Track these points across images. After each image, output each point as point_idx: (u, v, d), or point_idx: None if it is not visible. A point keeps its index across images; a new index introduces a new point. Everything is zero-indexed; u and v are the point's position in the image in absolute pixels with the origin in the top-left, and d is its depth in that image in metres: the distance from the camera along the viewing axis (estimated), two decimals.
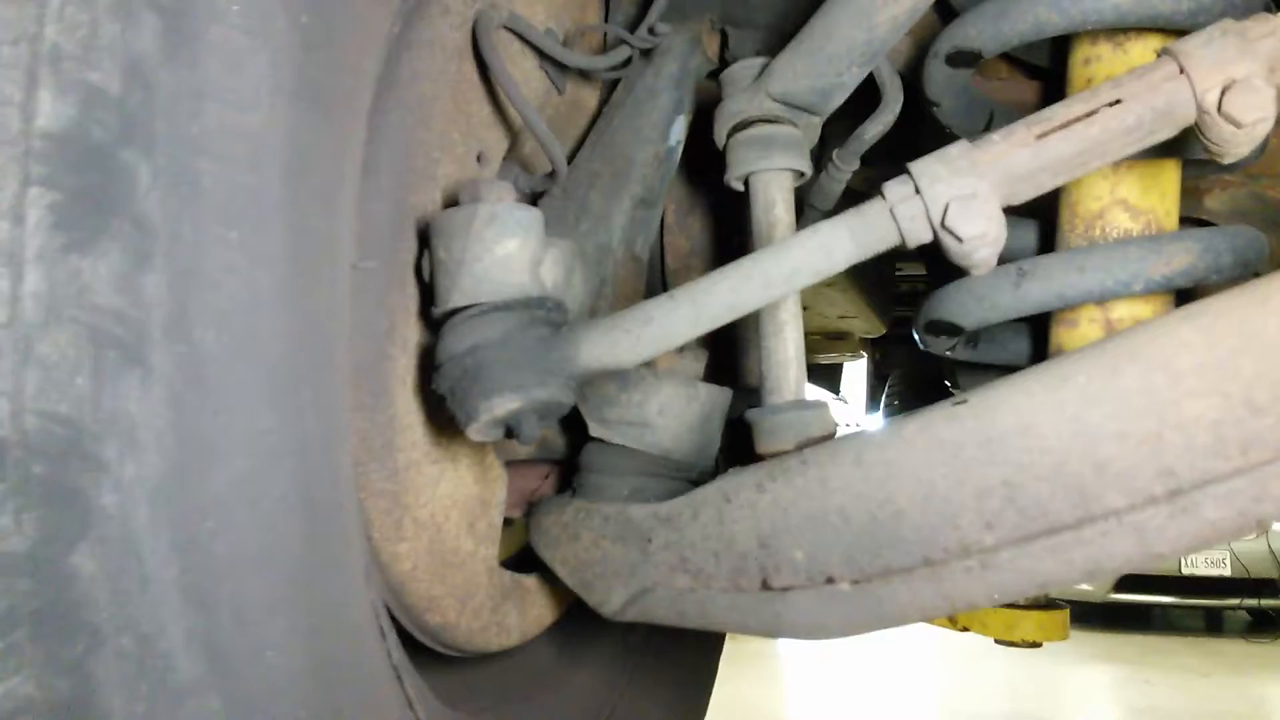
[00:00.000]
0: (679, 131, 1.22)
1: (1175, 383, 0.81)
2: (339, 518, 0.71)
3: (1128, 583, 8.08)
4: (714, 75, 1.28)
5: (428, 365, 0.92)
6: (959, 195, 0.78)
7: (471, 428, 0.85)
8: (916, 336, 1.17)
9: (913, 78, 1.20)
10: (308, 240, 0.65)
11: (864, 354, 3.54)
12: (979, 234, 0.77)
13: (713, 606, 0.96)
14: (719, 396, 1.15)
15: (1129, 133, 0.77)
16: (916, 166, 0.80)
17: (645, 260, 1.24)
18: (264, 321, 0.61)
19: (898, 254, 2.34)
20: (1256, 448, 0.79)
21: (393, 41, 0.92)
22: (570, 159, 1.24)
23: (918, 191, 0.80)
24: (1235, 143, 0.76)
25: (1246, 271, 1.01)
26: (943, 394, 1.27)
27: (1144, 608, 8.35)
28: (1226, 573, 8.20)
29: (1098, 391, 0.83)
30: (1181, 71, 0.76)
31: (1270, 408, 0.79)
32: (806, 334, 3.29)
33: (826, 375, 3.81)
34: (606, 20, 1.27)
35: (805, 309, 2.97)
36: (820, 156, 1.21)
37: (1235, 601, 8.36)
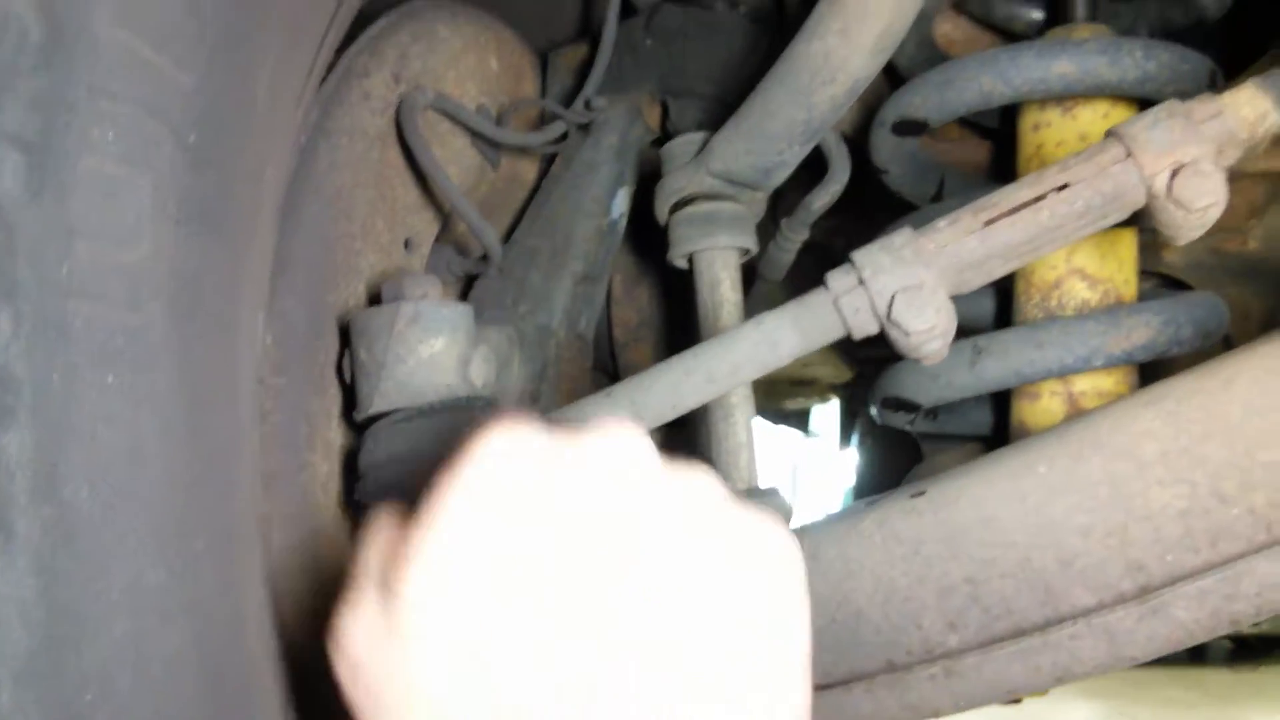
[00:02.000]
0: (621, 204, 1.18)
1: (1141, 472, 0.77)
2: (251, 670, 0.65)
3: None
4: (658, 143, 1.24)
5: (353, 469, 0.87)
6: (905, 287, 0.74)
7: None
8: (874, 412, 1.13)
9: (861, 140, 1.17)
10: (200, 373, 0.59)
11: (833, 398, 3.51)
12: (927, 328, 0.73)
13: None
14: None
15: (1079, 218, 0.74)
16: (860, 256, 0.76)
17: (590, 337, 1.19)
18: (148, 470, 0.55)
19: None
20: (1226, 540, 0.75)
21: (309, 130, 0.88)
22: (509, 234, 1.19)
23: (862, 282, 0.75)
24: (1187, 226, 0.73)
25: (1208, 341, 0.98)
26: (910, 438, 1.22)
27: None
28: None
29: (1061, 482, 0.79)
30: (1129, 155, 0.73)
31: (1239, 497, 0.75)
32: (772, 380, 3.24)
33: (796, 415, 3.77)
34: (544, 91, 1.23)
35: None
36: (769, 223, 1.18)
37: None
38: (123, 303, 0.53)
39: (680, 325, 1.32)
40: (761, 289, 1.27)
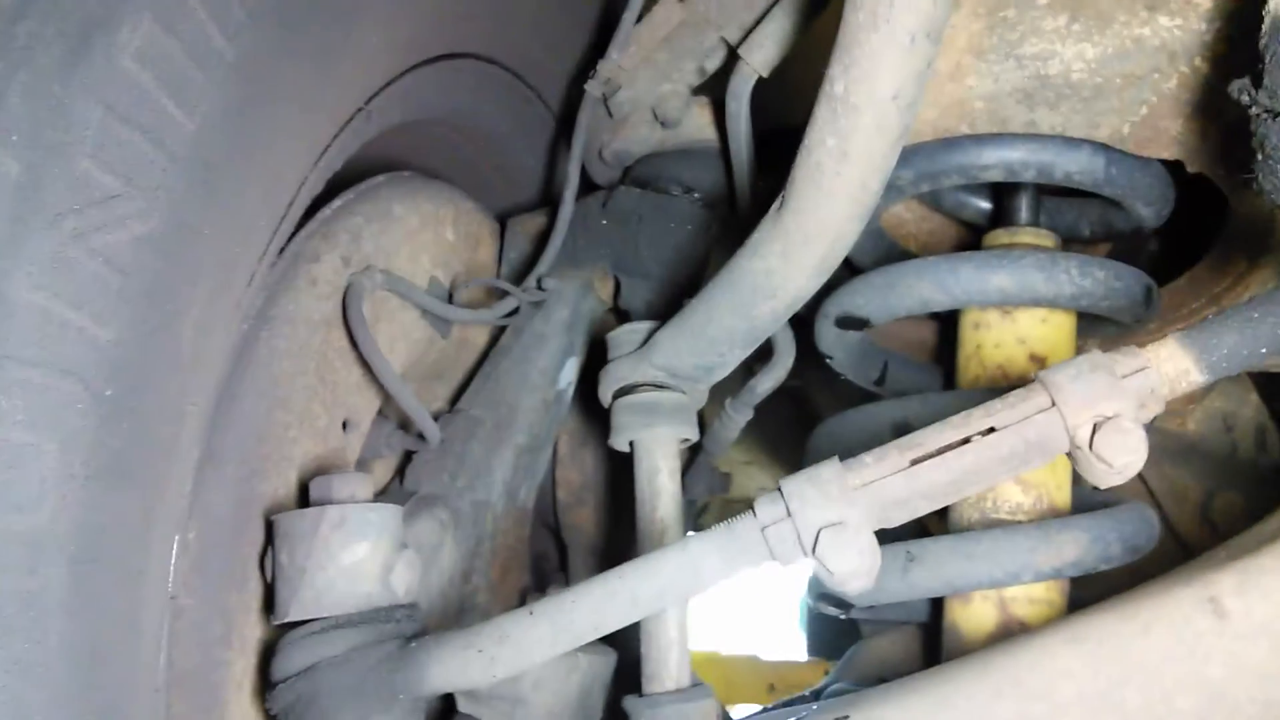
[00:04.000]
0: (569, 373, 1.18)
1: (1057, 714, 0.77)
2: None
3: None
4: (611, 310, 1.25)
5: (269, 664, 0.84)
6: (830, 523, 0.74)
7: None
8: (809, 603, 1.12)
9: (809, 323, 1.19)
10: (98, 625, 0.58)
11: None
12: (850, 570, 0.73)
13: None
14: (601, 665, 1.08)
15: (1002, 462, 0.75)
16: (788, 486, 0.77)
17: (530, 507, 1.18)
18: None
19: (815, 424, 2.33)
20: None
21: (252, 317, 0.88)
22: (456, 398, 1.19)
23: (789, 514, 0.76)
24: (1107, 478, 0.73)
25: (1136, 556, 0.98)
26: None
27: None
28: None
29: (977, 718, 0.78)
30: (1053, 404, 0.74)
31: None
32: (729, 501, 3.20)
33: None
34: (501, 256, 1.25)
35: (727, 479, 2.90)
36: (714, 400, 1.18)
37: None
38: (19, 569, 0.51)
39: (624, 487, 1.31)
40: (703, 463, 1.27)
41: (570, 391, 1.19)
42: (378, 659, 0.79)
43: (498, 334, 1.21)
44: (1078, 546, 0.95)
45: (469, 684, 0.79)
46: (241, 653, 0.84)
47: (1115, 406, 0.73)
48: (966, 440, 0.75)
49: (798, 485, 0.76)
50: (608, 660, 1.09)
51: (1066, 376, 0.75)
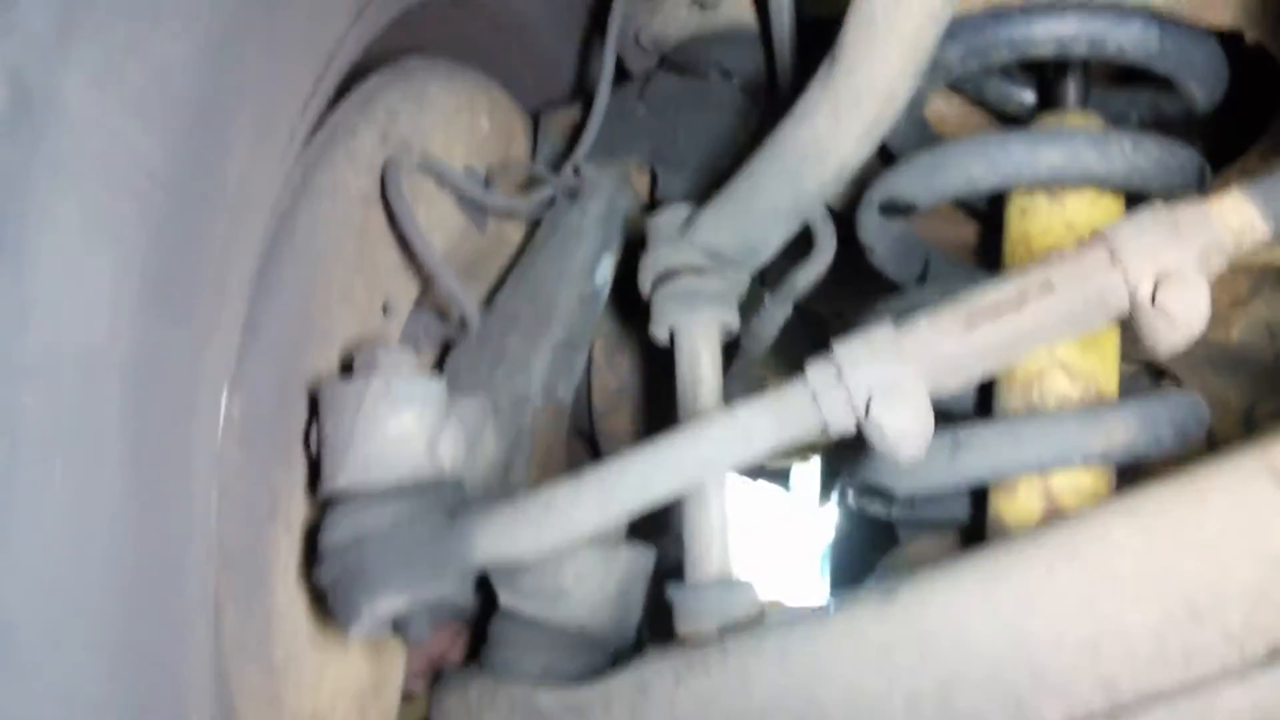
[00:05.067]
0: (605, 271, 1.17)
1: (1115, 586, 0.76)
2: None
3: None
4: (645, 210, 1.23)
5: (315, 544, 0.84)
6: (883, 385, 0.73)
7: (352, 629, 0.77)
8: (850, 498, 1.11)
9: (850, 215, 1.16)
10: (153, 459, 0.57)
11: (814, 456, 3.48)
12: (903, 430, 0.72)
13: None
14: (641, 560, 1.07)
15: (1061, 322, 0.73)
16: (840, 350, 0.75)
17: (568, 405, 1.17)
18: (95, 572, 0.52)
19: None
20: (1199, 659, 0.73)
21: (292, 190, 0.86)
22: (491, 296, 1.18)
23: (841, 377, 0.74)
24: (1170, 337, 0.72)
25: (1187, 444, 0.96)
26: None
27: None
28: None
29: (1034, 592, 0.77)
30: (1113, 259, 0.72)
31: (1212, 615, 0.74)
32: None
33: (774, 477, 3.74)
34: (534, 152, 1.23)
35: None
36: (754, 295, 1.17)
37: None
38: (77, 383, 0.51)
39: (661, 394, 1.30)
40: (741, 363, 1.25)
41: (606, 290, 1.18)
42: (425, 530, 0.79)
43: (531, 233, 1.20)
44: (1128, 431, 0.93)
45: (517, 554, 0.79)
46: (287, 531, 0.84)
47: (1178, 260, 0.71)
48: (1024, 299, 0.73)
49: (850, 347, 0.75)
50: (648, 556, 1.09)
51: (1129, 231, 0.73)
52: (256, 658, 0.80)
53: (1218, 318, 1.39)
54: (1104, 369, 1.03)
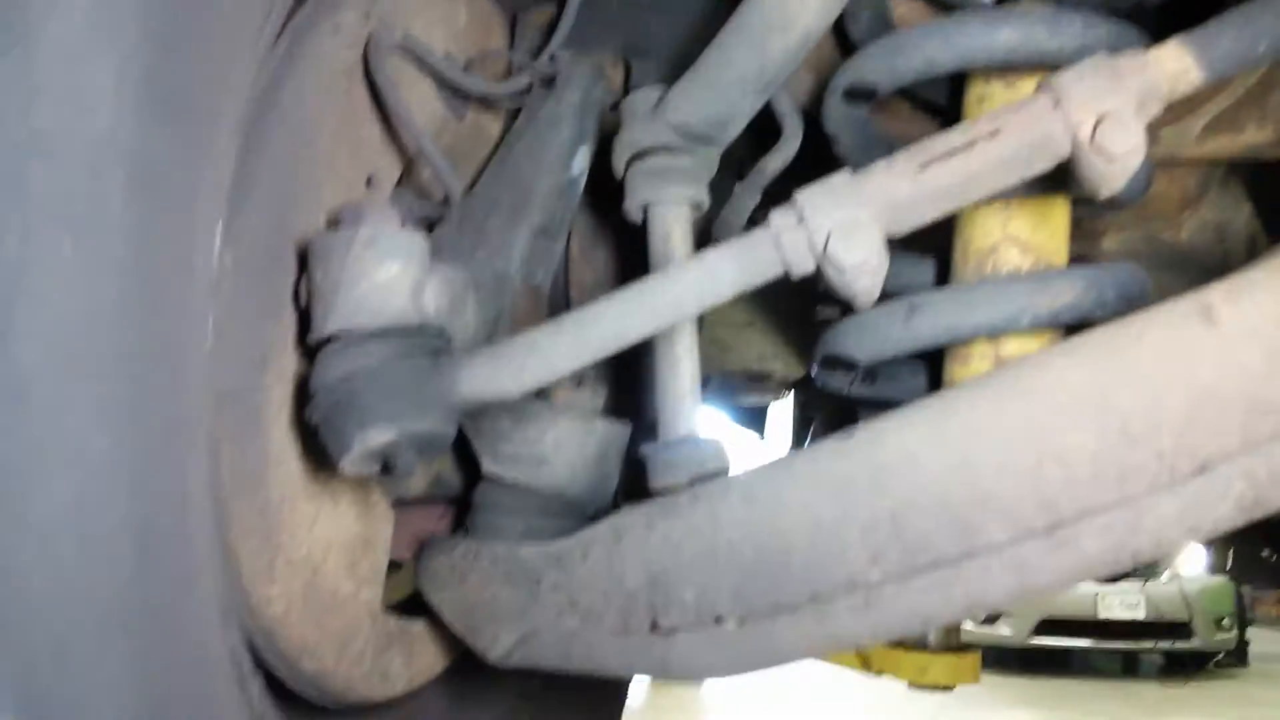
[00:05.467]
0: (582, 161, 1.21)
1: (1054, 414, 0.82)
2: (188, 552, 0.66)
3: (1046, 626, 8.21)
4: (617, 105, 1.27)
5: (306, 395, 0.88)
6: (841, 225, 0.78)
7: (344, 460, 0.82)
8: (813, 373, 1.17)
9: (816, 113, 1.21)
10: (155, 251, 0.61)
11: (786, 395, 3.55)
12: (859, 263, 0.77)
13: (600, 650, 0.93)
14: (617, 432, 1.13)
15: (1007, 164, 0.78)
16: (801, 195, 0.80)
17: (546, 291, 1.22)
18: (100, 339, 0.57)
19: (815, 295, 2.37)
20: (1133, 479, 0.79)
21: (278, 58, 0.90)
22: (470, 188, 1.22)
23: (801, 220, 0.79)
24: (1108, 175, 0.77)
25: (1130, 308, 1.02)
26: None
27: (1062, 651, 8.49)
28: (1141, 616, 8.38)
29: (980, 424, 0.83)
30: (1057, 105, 0.77)
31: (1146, 440, 0.79)
32: (728, 374, 3.24)
33: (751, 418, 3.82)
34: (511, 48, 1.26)
35: (726, 350, 2.95)
36: (725, 191, 1.21)
37: (1150, 644, 8.55)
38: (83, 169, 0.55)
39: None
40: None
41: (582, 181, 1.22)
42: (411, 367, 0.83)
43: (509, 126, 1.24)
44: (1074, 292, 0.99)
45: (499, 392, 0.84)
46: (279, 380, 0.88)
47: (1116, 103, 0.76)
48: (972, 144, 0.78)
49: (810, 193, 0.80)
50: (624, 428, 1.14)
51: (1070, 77, 0.78)
52: (251, 496, 0.85)
53: (1168, 219, 1.46)
54: (1054, 243, 1.08)
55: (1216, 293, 0.84)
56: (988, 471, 0.82)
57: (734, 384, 3.24)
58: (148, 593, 0.60)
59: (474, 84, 1.07)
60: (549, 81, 1.17)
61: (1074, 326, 1.05)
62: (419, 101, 1.07)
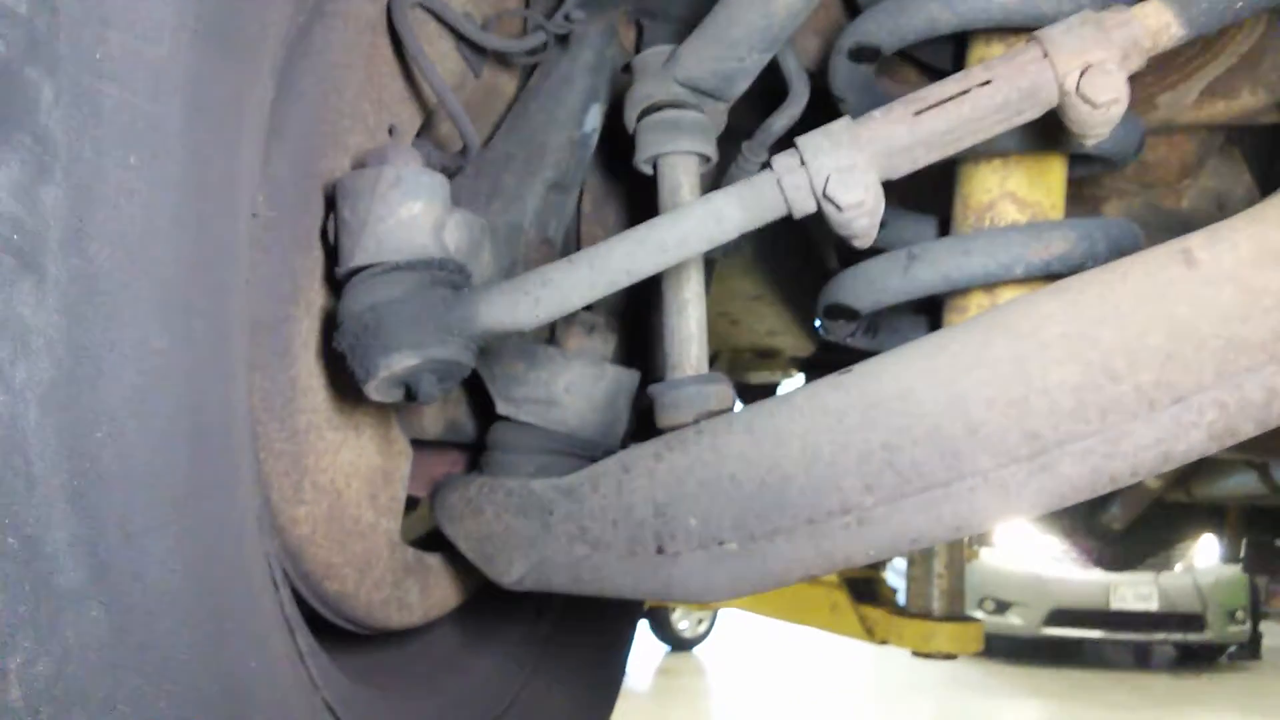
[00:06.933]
0: (594, 119, 1.25)
1: (1041, 351, 0.86)
2: (230, 451, 0.72)
3: (1058, 617, 8.23)
4: (629, 68, 1.32)
5: (332, 329, 0.94)
6: (839, 167, 0.82)
7: (370, 384, 0.87)
8: (817, 323, 1.21)
9: (822, 76, 1.25)
10: (206, 174, 0.67)
11: (797, 373, 3.60)
12: (856, 202, 0.81)
13: (608, 572, 0.99)
14: (626, 377, 1.18)
15: (997, 111, 0.83)
16: (802, 140, 0.85)
17: (558, 245, 1.26)
18: (159, 246, 0.62)
19: (824, 270, 2.40)
20: (1114, 413, 0.84)
21: (307, 10, 0.95)
22: (486, 143, 1.27)
23: (803, 163, 0.84)
24: (1093, 123, 0.81)
25: (1121, 257, 1.06)
26: None
27: (1074, 642, 8.51)
28: (1154, 607, 8.39)
29: (970, 359, 0.87)
30: (1045, 56, 0.82)
31: (1127, 375, 0.84)
32: (737, 350, 3.29)
33: (759, 395, 3.86)
34: (527, 7, 1.31)
35: (735, 324, 2.99)
36: (733, 150, 1.26)
37: (1162, 636, 8.55)
38: (146, 92, 0.60)
39: None
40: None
41: (594, 138, 1.26)
42: (434, 298, 0.88)
43: (524, 85, 1.28)
44: (1067, 242, 1.03)
45: (515, 323, 0.89)
46: (308, 313, 0.93)
47: (1101, 54, 0.80)
48: (965, 92, 0.83)
49: (811, 138, 0.85)
50: (632, 374, 1.19)
51: (1058, 31, 0.82)
52: (281, 420, 0.90)
53: (1170, 185, 1.50)
54: (1050, 199, 1.13)
55: (1197, 238, 0.88)
56: (977, 404, 0.86)
57: (742, 361, 3.30)
58: (198, 482, 0.66)
59: (491, 41, 1.12)
60: (563, 40, 1.22)
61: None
62: (439, 57, 1.12)
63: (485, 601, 1.31)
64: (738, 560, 0.92)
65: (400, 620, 1.12)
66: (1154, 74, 1.24)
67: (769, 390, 3.80)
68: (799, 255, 2.60)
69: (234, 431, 0.73)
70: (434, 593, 1.18)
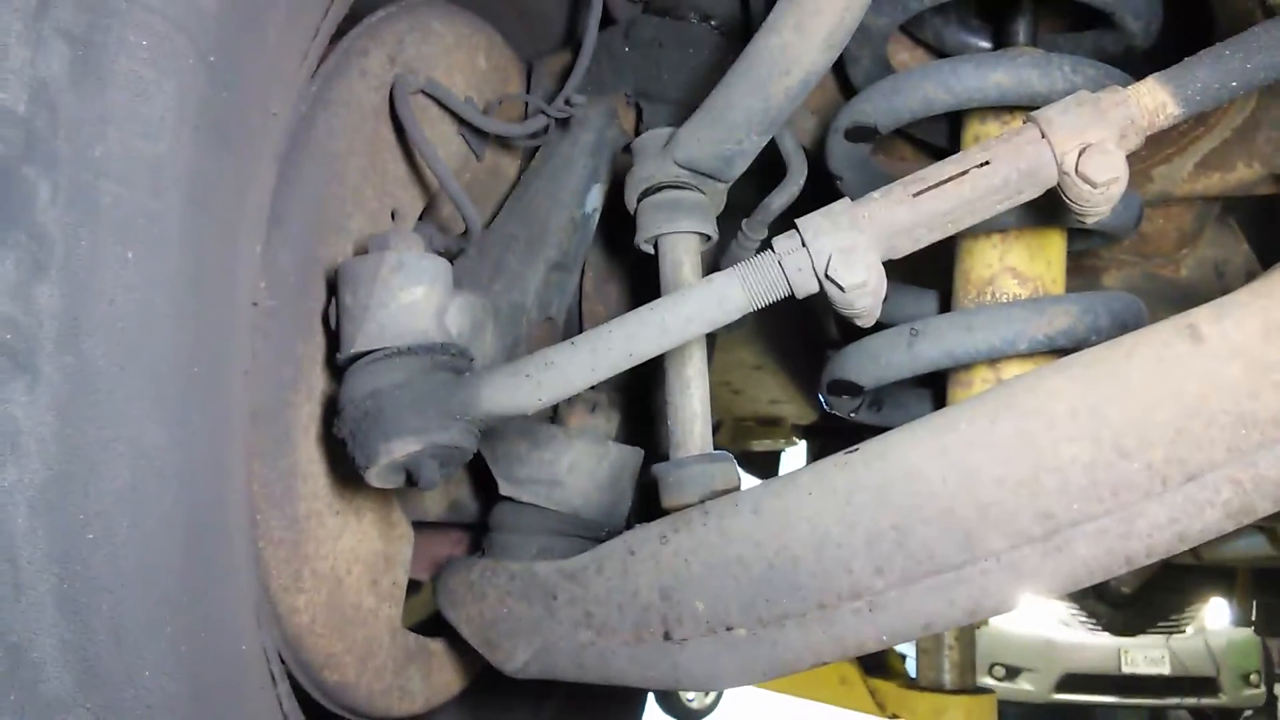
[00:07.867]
0: (595, 199, 1.26)
1: (1050, 428, 0.85)
2: (227, 546, 0.71)
3: (1069, 682, 8.07)
4: (629, 149, 1.33)
5: (333, 414, 0.93)
6: (841, 247, 0.82)
7: (371, 471, 0.86)
8: (821, 398, 1.21)
9: (819, 154, 1.26)
10: (206, 268, 0.66)
11: (799, 441, 3.58)
12: (859, 283, 0.81)
13: (614, 660, 0.96)
14: (630, 456, 1.17)
15: (997, 191, 0.83)
16: (803, 221, 0.85)
17: (560, 324, 1.26)
18: (156, 341, 0.62)
19: (825, 339, 2.41)
20: (1126, 491, 0.82)
21: (310, 99, 0.96)
22: (488, 224, 1.27)
23: (804, 244, 0.84)
24: (1093, 202, 0.82)
25: (1124, 333, 1.06)
26: None
27: (1086, 708, 8.33)
28: (1166, 671, 8.23)
29: (979, 437, 0.86)
30: (1043, 136, 0.82)
31: (1137, 452, 0.83)
32: (740, 419, 3.28)
33: (763, 463, 3.84)
34: (528, 92, 1.33)
35: (737, 393, 2.98)
36: (732, 228, 1.26)
37: (1175, 700, 8.37)
38: (146, 188, 0.60)
39: None
40: None
41: (595, 218, 1.27)
42: (435, 383, 0.88)
43: (525, 167, 1.30)
44: (1069, 316, 1.03)
45: (517, 407, 0.88)
46: (309, 399, 0.93)
47: (1099, 134, 0.81)
48: (964, 173, 0.83)
49: (811, 219, 0.85)
50: (636, 453, 1.18)
51: (1056, 111, 0.83)
52: (280, 507, 0.89)
53: (1168, 256, 1.51)
54: (1050, 274, 1.13)
55: (1201, 313, 0.88)
56: (987, 484, 0.85)
57: (746, 429, 3.28)
58: (193, 582, 0.64)
59: (493, 125, 1.13)
60: (564, 123, 1.23)
61: (1071, 352, 1.09)
62: (441, 141, 1.13)
63: (490, 684, 1.28)
64: (747, 646, 0.90)
65: (402, 709, 1.10)
66: (1149, 148, 1.25)
67: (772, 458, 3.78)
68: (799, 325, 2.61)
69: (231, 524, 0.72)
70: (436, 679, 1.15)
